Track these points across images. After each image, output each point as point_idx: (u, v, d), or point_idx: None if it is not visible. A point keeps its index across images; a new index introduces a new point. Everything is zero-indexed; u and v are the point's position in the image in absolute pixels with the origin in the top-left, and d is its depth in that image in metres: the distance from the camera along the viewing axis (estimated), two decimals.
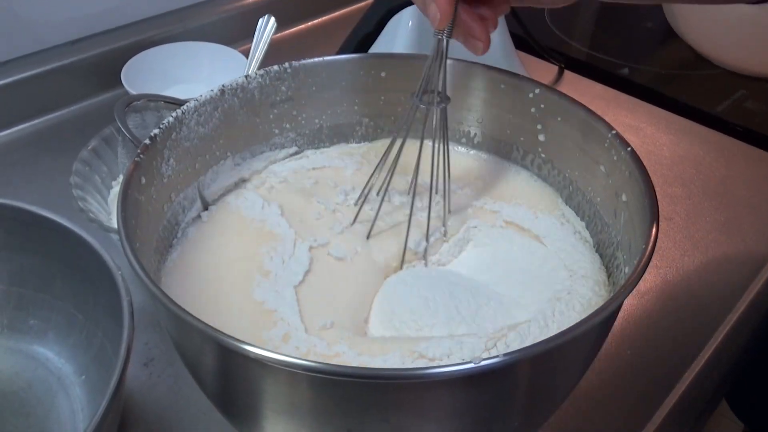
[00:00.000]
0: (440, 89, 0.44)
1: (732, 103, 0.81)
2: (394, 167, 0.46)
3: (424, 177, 0.46)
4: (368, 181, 0.47)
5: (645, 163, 0.41)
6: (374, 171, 0.47)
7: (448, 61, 0.49)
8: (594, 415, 0.48)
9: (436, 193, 0.47)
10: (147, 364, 0.51)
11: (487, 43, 0.43)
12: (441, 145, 0.45)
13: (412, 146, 0.45)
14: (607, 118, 0.44)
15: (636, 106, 0.80)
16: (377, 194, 0.47)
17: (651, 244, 0.34)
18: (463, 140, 0.52)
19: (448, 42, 0.42)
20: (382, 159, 0.47)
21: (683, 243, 0.63)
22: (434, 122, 0.44)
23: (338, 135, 0.53)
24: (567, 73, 0.85)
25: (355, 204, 0.48)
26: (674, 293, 0.58)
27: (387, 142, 0.52)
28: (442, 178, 0.46)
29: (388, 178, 0.46)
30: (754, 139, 0.75)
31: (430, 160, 0.46)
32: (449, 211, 0.47)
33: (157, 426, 0.47)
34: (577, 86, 0.83)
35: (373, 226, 0.46)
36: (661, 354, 0.53)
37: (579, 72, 0.85)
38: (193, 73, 0.75)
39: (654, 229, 0.35)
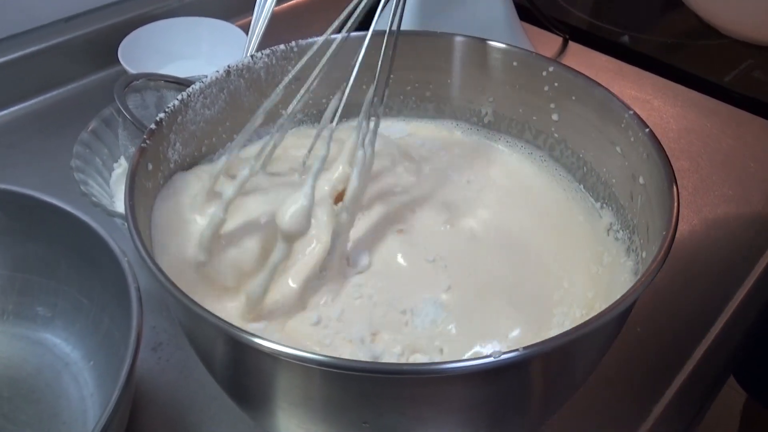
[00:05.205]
0: None
1: (739, 73, 0.80)
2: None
3: None
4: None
5: None
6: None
7: (458, 38, 0.48)
8: (605, 392, 0.48)
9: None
10: (155, 349, 0.51)
11: None
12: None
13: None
14: (613, 91, 0.43)
15: (642, 77, 0.79)
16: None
17: (672, 229, 0.34)
18: (474, 119, 0.51)
19: None
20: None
21: (691, 217, 0.62)
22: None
23: (345, 114, 0.52)
24: (571, 44, 0.83)
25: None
26: (682, 269, 0.58)
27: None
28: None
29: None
30: (762, 110, 0.74)
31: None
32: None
33: (168, 411, 0.47)
34: (582, 58, 0.82)
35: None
36: (671, 330, 0.53)
37: (583, 42, 0.84)
38: (192, 49, 0.74)
39: (675, 216, 0.35)
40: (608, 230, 0.44)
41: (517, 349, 0.29)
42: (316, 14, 0.90)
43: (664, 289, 0.56)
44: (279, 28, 0.69)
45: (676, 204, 0.35)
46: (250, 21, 0.64)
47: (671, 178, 0.37)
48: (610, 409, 0.48)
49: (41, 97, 0.73)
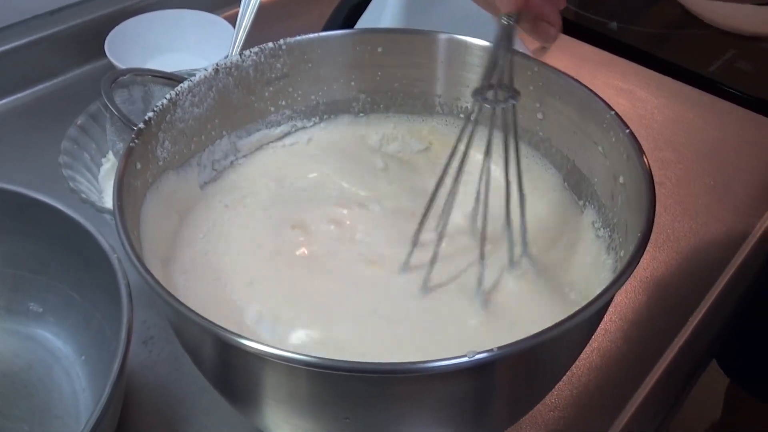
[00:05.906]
0: (507, 83, 0.39)
1: (723, 63, 0.80)
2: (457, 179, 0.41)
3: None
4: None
5: (636, 127, 0.40)
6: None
7: (442, 36, 0.49)
8: (589, 379, 0.50)
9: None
10: (146, 342, 0.51)
11: (560, 26, 0.39)
12: (510, 151, 0.41)
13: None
14: (598, 82, 0.43)
15: (627, 68, 0.80)
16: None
17: (645, 235, 0.35)
18: (461, 116, 0.52)
19: (515, 29, 0.38)
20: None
21: (674, 208, 0.63)
22: (505, 121, 0.40)
23: (335, 111, 0.52)
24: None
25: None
26: (665, 259, 0.59)
27: (379, 116, 0.53)
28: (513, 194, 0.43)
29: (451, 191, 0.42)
30: (745, 101, 0.75)
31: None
32: (526, 244, 0.43)
33: (159, 404, 0.48)
34: (568, 49, 0.82)
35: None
36: (653, 319, 0.54)
37: (568, 33, 0.84)
38: (179, 42, 0.74)
39: (649, 221, 0.35)
40: (590, 228, 0.45)
41: (491, 350, 0.30)
42: (303, 6, 0.89)
43: (647, 277, 0.57)
44: (268, 20, 0.69)
45: (652, 209, 0.36)
46: (237, 13, 0.64)
47: (649, 181, 0.37)
48: (594, 395, 0.49)
49: (28, 91, 0.73)
